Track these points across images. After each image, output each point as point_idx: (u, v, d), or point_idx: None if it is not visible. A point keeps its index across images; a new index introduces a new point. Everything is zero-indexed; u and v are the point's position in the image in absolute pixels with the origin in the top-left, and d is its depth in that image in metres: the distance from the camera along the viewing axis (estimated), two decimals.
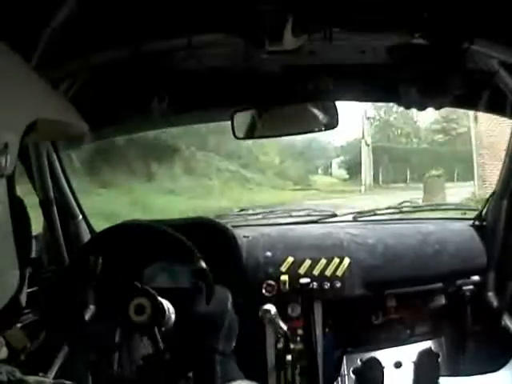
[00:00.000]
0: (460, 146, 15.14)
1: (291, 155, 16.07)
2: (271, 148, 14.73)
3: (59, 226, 1.43)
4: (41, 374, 0.66)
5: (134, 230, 1.28)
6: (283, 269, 1.46)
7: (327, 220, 1.81)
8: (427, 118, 17.10)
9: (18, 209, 0.54)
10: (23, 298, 0.58)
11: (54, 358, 1.11)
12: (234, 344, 0.96)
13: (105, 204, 6.64)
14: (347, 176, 16.74)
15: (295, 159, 16.24)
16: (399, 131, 18.46)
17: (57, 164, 1.41)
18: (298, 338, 1.44)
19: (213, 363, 0.86)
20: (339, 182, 16.58)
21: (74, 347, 1.12)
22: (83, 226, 1.55)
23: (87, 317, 1.25)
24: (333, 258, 1.47)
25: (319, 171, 18.00)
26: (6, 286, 0.54)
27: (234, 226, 1.58)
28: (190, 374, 1.21)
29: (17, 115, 0.51)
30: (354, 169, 15.81)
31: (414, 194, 8.45)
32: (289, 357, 1.40)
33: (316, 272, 1.45)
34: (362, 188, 14.13)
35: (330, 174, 17.82)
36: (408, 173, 15.25)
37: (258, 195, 11.28)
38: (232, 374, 0.83)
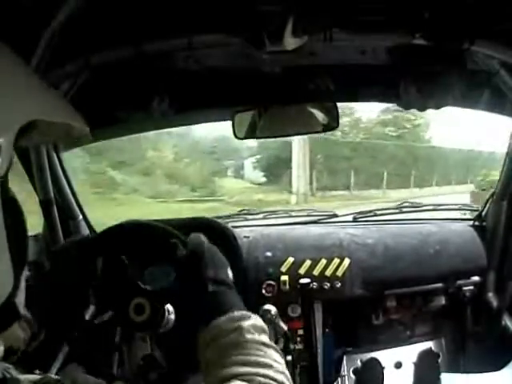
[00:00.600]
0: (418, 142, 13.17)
1: (193, 152, 12.32)
2: (165, 142, 10.99)
3: (59, 226, 1.43)
4: (38, 372, 0.67)
5: (135, 230, 1.27)
6: (283, 269, 1.46)
7: (327, 220, 1.81)
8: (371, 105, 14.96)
9: (11, 209, 0.54)
10: (21, 299, 0.58)
11: (54, 358, 1.11)
12: (229, 274, 0.94)
13: None
14: (264, 179, 13.16)
15: (198, 157, 12.36)
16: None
17: (57, 164, 1.41)
18: (298, 338, 1.44)
19: (203, 294, 0.82)
20: (256, 187, 12.60)
21: (73, 347, 1.12)
22: (83, 226, 1.55)
23: (87, 317, 1.25)
24: (333, 259, 1.47)
25: (229, 173, 13.90)
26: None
27: (234, 227, 1.58)
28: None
29: (9, 117, 0.51)
30: (275, 170, 12.59)
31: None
32: (289, 357, 1.40)
33: (316, 272, 1.45)
34: (293, 198, 10.73)
35: (242, 177, 13.85)
36: (352, 177, 12.62)
37: (115, 210, 7.13)
38: (228, 305, 0.79)
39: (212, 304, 0.79)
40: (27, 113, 0.54)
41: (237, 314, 0.75)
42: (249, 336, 0.71)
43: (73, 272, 1.19)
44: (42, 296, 1.14)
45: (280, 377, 0.66)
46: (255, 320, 0.75)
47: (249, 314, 0.76)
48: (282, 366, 0.69)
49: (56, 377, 0.62)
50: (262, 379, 0.64)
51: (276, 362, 0.70)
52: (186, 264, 0.91)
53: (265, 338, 0.74)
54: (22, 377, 0.57)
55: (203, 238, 0.98)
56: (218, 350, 0.70)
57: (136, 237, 1.26)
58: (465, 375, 1.35)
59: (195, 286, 0.85)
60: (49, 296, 1.17)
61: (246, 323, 0.73)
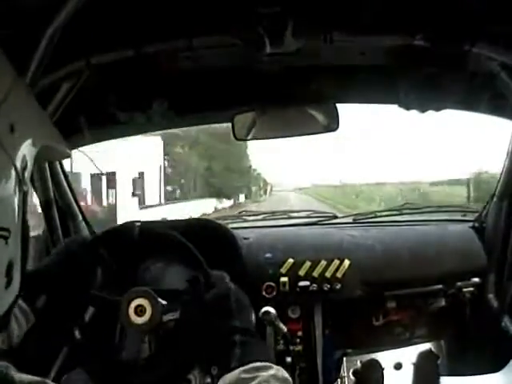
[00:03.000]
0: None
1: None
2: None
3: (59, 227, 1.43)
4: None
5: (135, 231, 1.28)
6: (283, 270, 1.46)
7: (327, 222, 1.81)
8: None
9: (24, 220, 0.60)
10: (5, 303, 0.58)
11: (53, 359, 1.11)
12: (253, 321, 0.94)
13: None
14: None
15: None
16: None
17: (57, 166, 1.41)
18: (298, 340, 1.44)
19: (229, 344, 0.82)
20: None
21: (73, 349, 1.12)
22: (83, 227, 1.55)
23: (87, 318, 1.25)
24: (333, 260, 1.47)
25: None
26: (11, 292, 0.56)
27: (234, 228, 1.58)
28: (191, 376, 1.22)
29: (33, 142, 0.60)
30: None
31: None
32: (289, 358, 1.40)
33: (316, 274, 1.45)
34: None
35: None
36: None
37: None
38: (254, 355, 0.79)
39: (234, 354, 0.81)
40: (41, 137, 0.63)
41: (258, 364, 0.75)
42: None
43: (75, 270, 1.19)
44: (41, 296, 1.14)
45: None
46: (277, 371, 0.75)
47: (270, 364, 0.76)
48: None
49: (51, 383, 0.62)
50: None
51: None
52: (212, 306, 0.93)
53: None
54: (19, 376, 0.57)
55: (227, 277, 0.99)
56: None
57: (136, 238, 1.26)
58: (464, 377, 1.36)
59: (220, 333, 0.86)
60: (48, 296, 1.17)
61: (265, 373, 0.73)
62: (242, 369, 0.74)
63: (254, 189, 24.73)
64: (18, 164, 0.57)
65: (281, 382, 0.74)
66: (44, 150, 0.65)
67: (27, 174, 0.60)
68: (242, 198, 21.28)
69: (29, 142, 0.60)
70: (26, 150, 0.59)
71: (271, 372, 0.74)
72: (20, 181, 0.58)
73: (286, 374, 0.76)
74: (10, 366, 0.57)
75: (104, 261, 1.21)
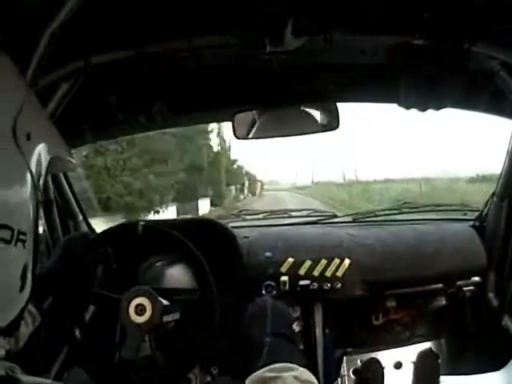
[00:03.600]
0: None
1: None
2: None
3: (59, 226, 1.44)
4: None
5: (137, 230, 1.28)
6: (283, 269, 1.46)
7: (327, 221, 1.81)
8: None
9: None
10: (19, 306, 0.60)
11: (54, 358, 1.11)
12: (293, 329, 0.95)
13: None
14: None
15: None
16: None
17: None
18: (298, 339, 1.44)
19: (259, 346, 0.83)
20: None
21: (73, 348, 1.12)
22: (83, 226, 1.55)
23: (87, 317, 1.25)
24: (333, 259, 1.47)
25: None
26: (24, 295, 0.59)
27: (233, 227, 1.58)
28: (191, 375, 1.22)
29: (46, 151, 0.64)
30: None
31: None
32: None
33: (316, 273, 1.45)
34: None
35: None
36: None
37: None
38: (282, 356, 0.79)
39: (262, 354, 0.80)
40: (52, 148, 0.66)
41: (283, 365, 0.75)
42: None
43: (76, 269, 1.19)
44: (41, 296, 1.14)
45: None
46: (301, 373, 0.75)
47: (295, 366, 0.76)
48: None
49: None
50: None
51: None
52: (249, 317, 0.96)
53: None
54: (26, 378, 0.57)
55: (269, 300, 1.00)
56: None
57: (137, 236, 1.26)
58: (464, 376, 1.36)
59: (253, 338, 0.87)
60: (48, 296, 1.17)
61: (288, 374, 0.73)
62: (266, 368, 0.75)
63: (232, 188, 21.63)
64: (34, 170, 0.60)
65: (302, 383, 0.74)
66: (54, 160, 0.67)
67: (41, 182, 0.63)
68: (205, 203, 16.91)
69: (43, 150, 0.63)
70: (41, 159, 0.62)
71: (294, 373, 0.74)
72: (35, 186, 0.60)
73: (312, 377, 0.76)
74: (16, 368, 0.57)
75: (105, 260, 1.22)
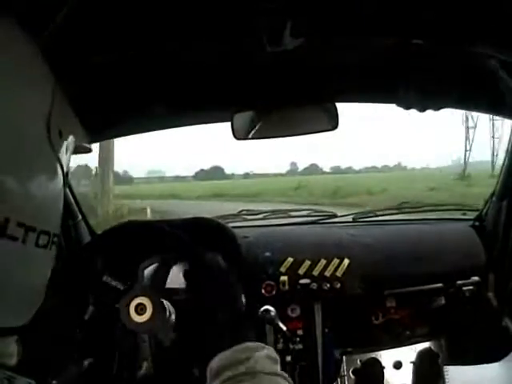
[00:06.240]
0: None
1: None
2: None
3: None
4: None
5: (136, 230, 1.28)
6: (283, 269, 1.46)
7: (327, 221, 1.81)
8: None
9: None
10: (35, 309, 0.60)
11: (52, 361, 1.11)
12: (243, 302, 0.93)
13: None
14: None
15: None
16: None
17: None
18: (298, 339, 1.44)
19: (215, 323, 0.81)
20: None
21: (72, 350, 1.12)
22: (83, 226, 1.55)
23: (86, 317, 1.25)
24: (332, 259, 1.47)
25: None
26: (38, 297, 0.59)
27: (233, 227, 1.57)
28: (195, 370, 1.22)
29: (74, 144, 0.64)
30: None
31: None
32: (288, 357, 1.41)
33: (316, 272, 1.46)
34: None
35: None
36: None
37: None
38: (241, 336, 0.76)
39: (224, 334, 0.78)
40: (78, 140, 0.67)
41: (251, 344, 0.74)
42: (259, 367, 0.70)
43: (73, 272, 1.19)
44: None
45: None
46: (271, 351, 0.74)
47: (263, 345, 0.75)
48: None
49: None
50: None
51: None
52: (200, 285, 0.91)
53: (276, 368, 0.72)
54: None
55: (220, 260, 0.98)
56: (228, 380, 0.69)
57: (137, 236, 1.26)
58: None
59: (207, 313, 0.84)
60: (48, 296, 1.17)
61: (259, 353, 0.72)
62: (234, 349, 0.73)
63: None
64: (65, 169, 0.59)
65: (274, 362, 0.73)
66: (76, 149, 0.66)
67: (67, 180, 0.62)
68: None
69: (71, 145, 0.62)
70: (69, 155, 0.61)
71: (265, 352, 0.73)
72: (65, 185, 0.60)
73: (276, 354, 0.75)
74: (15, 376, 0.57)
75: (104, 259, 1.21)
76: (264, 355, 0.72)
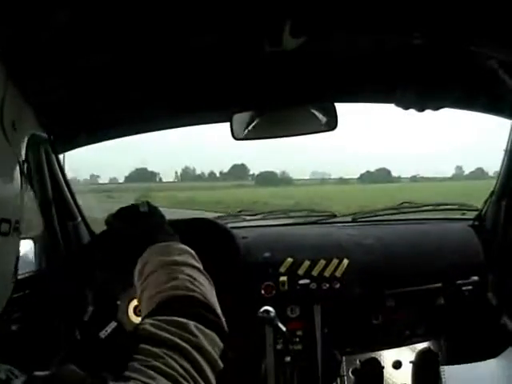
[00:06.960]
0: None
1: None
2: None
3: (58, 227, 1.43)
4: None
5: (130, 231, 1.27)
6: (282, 270, 1.46)
7: (326, 221, 1.81)
8: None
9: None
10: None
11: (53, 359, 1.11)
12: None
13: None
14: None
15: None
16: None
17: (55, 165, 1.41)
18: (297, 339, 1.44)
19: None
20: None
21: (71, 349, 1.12)
22: (82, 227, 1.55)
23: (86, 317, 1.25)
24: (332, 259, 1.47)
25: None
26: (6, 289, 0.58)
27: (232, 227, 1.57)
28: None
29: (28, 135, 0.70)
30: None
31: None
32: (288, 358, 1.41)
33: (315, 273, 1.45)
34: None
35: None
36: None
37: None
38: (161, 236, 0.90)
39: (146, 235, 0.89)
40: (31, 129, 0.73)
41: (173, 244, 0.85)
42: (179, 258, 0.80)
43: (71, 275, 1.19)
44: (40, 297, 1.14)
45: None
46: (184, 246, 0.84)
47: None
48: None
49: None
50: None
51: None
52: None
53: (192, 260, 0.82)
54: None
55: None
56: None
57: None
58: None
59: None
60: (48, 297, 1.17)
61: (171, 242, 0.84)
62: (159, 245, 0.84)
63: None
64: (21, 159, 0.61)
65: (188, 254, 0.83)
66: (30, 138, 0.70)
67: (25, 168, 0.63)
68: None
69: (25, 136, 0.64)
70: (23, 145, 0.63)
71: (179, 246, 0.84)
72: (22, 174, 0.61)
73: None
74: (14, 370, 0.57)
75: (103, 260, 1.21)
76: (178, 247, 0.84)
